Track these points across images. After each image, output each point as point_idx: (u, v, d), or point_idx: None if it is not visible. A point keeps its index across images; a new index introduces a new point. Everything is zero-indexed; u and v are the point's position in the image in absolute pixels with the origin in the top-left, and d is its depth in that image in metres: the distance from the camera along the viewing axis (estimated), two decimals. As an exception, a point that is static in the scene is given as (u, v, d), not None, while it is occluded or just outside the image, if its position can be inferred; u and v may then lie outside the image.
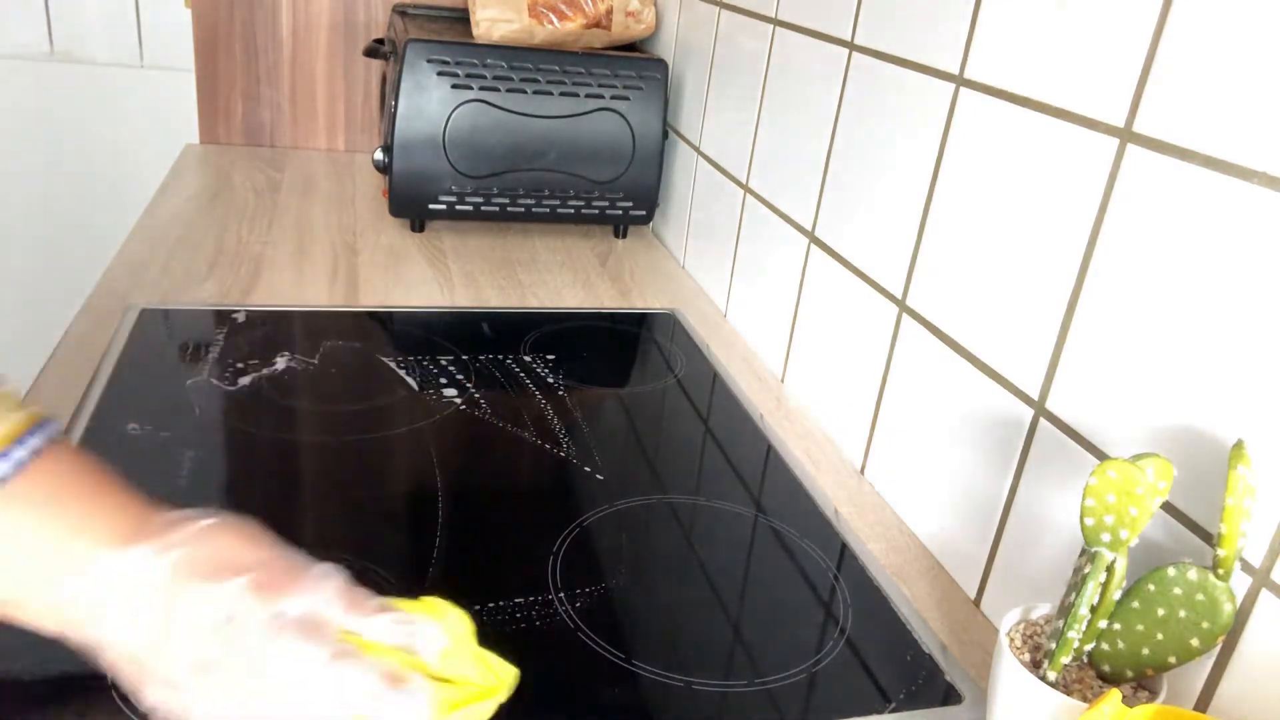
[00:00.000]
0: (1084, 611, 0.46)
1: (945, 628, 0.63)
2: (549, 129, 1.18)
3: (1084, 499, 0.45)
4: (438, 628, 0.42)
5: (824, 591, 0.64)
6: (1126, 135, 0.53)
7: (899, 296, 0.75)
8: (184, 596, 0.38)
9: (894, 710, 0.55)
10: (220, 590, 0.39)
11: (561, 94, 1.18)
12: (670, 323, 1.04)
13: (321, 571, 0.41)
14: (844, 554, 0.68)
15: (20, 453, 0.39)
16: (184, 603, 0.38)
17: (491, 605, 0.58)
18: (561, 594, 0.60)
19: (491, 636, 0.56)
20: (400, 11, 1.40)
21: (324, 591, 0.40)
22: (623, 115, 1.21)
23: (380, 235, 1.19)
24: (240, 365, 0.83)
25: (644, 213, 1.26)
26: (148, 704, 0.39)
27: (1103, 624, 0.47)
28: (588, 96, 1.19)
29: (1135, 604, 0.46)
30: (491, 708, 0.42)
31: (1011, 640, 0.51)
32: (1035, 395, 0.60)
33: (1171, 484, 0.46)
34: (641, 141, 1.22)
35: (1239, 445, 0.42)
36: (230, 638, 0.38)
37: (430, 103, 1.13)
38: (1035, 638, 0.51)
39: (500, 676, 0.43)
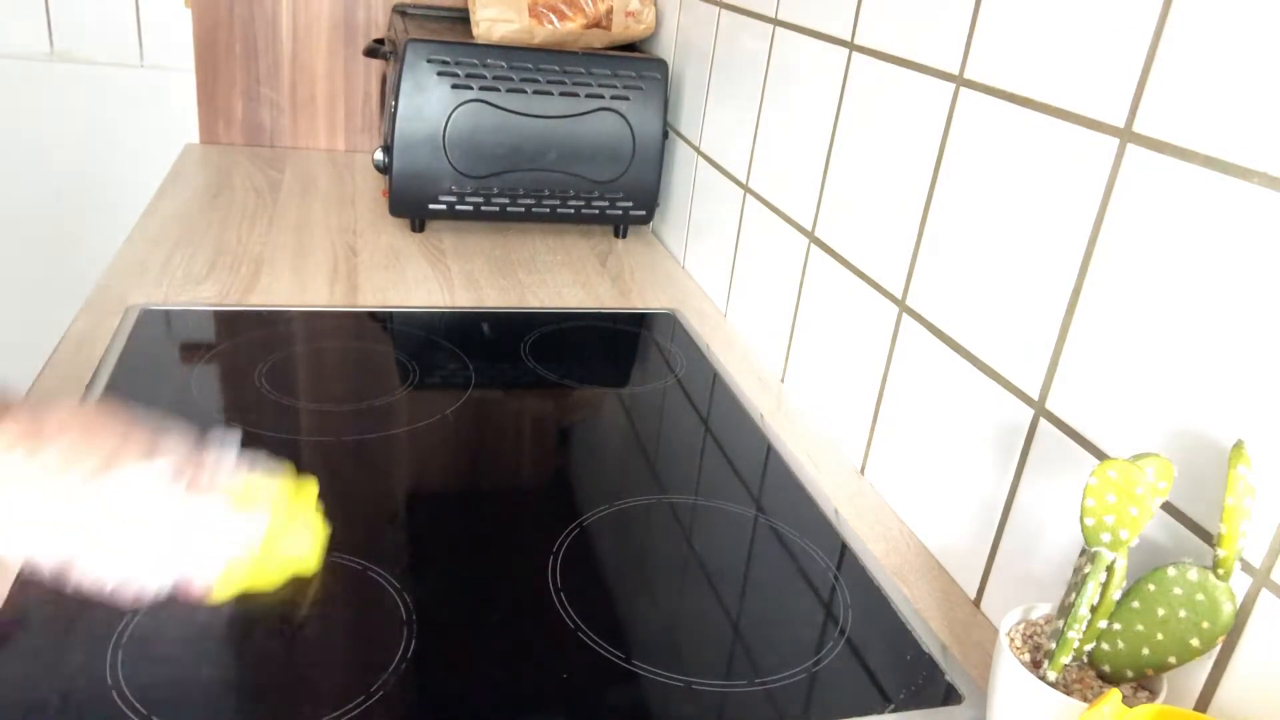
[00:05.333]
0: (1084, 611, 0.46)
1: (945, 628, 0.63)
2: (549, 129, 1.18)
3: (1084, 499, 0.45)
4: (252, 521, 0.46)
5: (824, 591, 0.64)
6: (1126, 135, 0.53)
7: (899, 296, 0.75)
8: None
9: (894, 710, 0.55)
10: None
11: (561, 94, 1.18)
12: (670, 323, 1.04)
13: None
14: (844, 554, 0.68)
15: None
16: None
17: (492, 605, 0.58)
18: (561, 594, 0.60)
19: (492, 637, 0.56)
20: (400, 11, 1.40)
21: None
22: (623, 115, 1.21)
23: (380, 235, 1.19)
24: (240, 365, 0.83)
25: (644, 213, 1.26)
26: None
27: (1103, 624, 0.47)
28: (588, 96, 1.19)
29: (1135, 604, 0.46)
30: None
31: (1011, 640, 0.51)
32: (1035, 395, 0.60)
33: (1171, 484, 0.46)
34: (641, 141, 1.22)
35: (1239, 445, 0.42)
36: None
37: (430, 103, 1.13)
38: (1035, 638, 0.51)
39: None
